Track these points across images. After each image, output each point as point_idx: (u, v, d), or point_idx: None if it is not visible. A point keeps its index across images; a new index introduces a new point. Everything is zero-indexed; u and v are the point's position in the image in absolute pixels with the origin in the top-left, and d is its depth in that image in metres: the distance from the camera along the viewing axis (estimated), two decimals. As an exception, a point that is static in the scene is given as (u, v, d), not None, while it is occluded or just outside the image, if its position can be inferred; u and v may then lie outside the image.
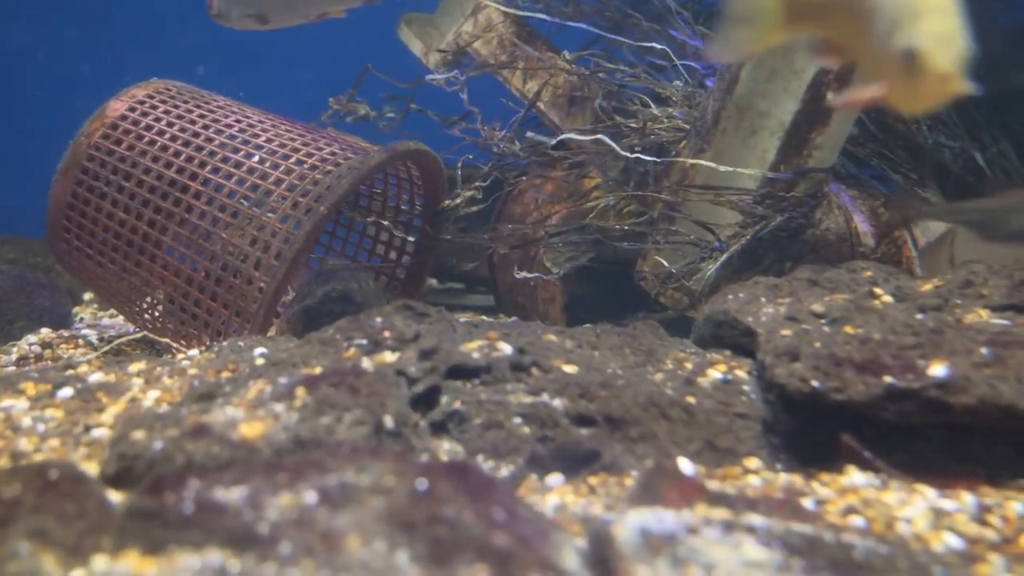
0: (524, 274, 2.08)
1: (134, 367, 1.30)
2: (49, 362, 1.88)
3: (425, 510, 0.66)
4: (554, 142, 2.03)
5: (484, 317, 2.45)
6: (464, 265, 2.67)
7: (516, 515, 0.68)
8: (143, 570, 0.65)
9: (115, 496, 0.82)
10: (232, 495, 0.69)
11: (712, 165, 1.80)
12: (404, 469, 0.70)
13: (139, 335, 1.83)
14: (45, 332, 2.20)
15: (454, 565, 0.62)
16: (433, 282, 3.31)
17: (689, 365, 1.27)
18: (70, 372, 1.30)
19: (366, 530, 0.65)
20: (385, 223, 2.15)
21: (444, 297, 3.20)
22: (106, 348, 1.79)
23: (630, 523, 0.71)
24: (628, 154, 1.92)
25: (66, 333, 2.20)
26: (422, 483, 0.69)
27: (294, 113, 2.09)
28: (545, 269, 2.11)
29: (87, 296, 2.90)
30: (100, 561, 0.67)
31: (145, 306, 1.80)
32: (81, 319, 2.62)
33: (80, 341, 2.09)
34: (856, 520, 0.88)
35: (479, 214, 2.21)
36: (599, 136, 1.98)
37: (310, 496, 0.69)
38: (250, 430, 0.86)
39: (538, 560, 0.62)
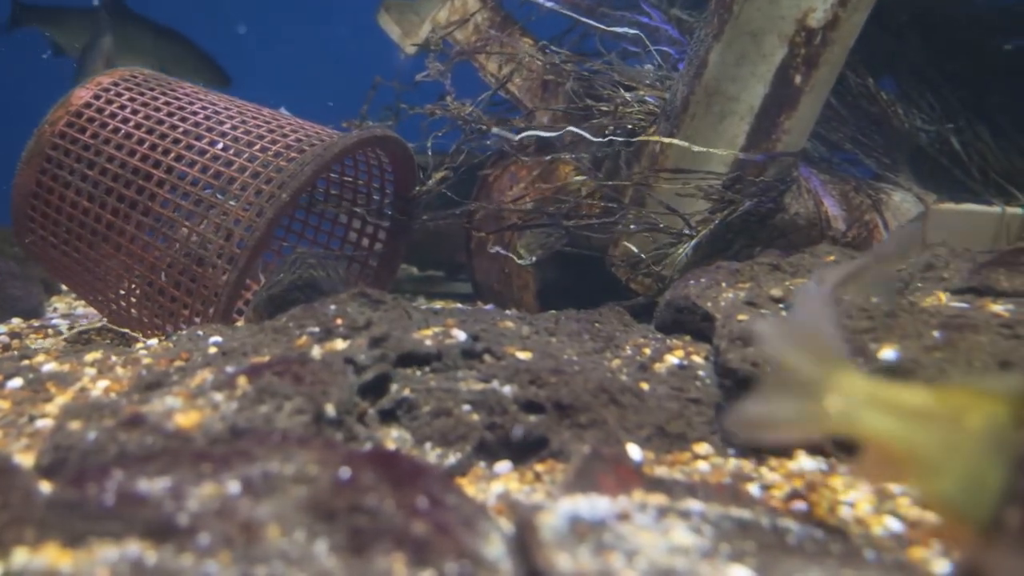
0: (498, 249, 2.07)
1: (90, 357, 1.29)
2: (16, 352, 1.87)
3: (346, 499, 0.65)
4: (521, 136, 2.01)
5: (458, 304, 2.44)
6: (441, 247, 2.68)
7: (440, 503, 0.67)
8: (60, 562, 0.64)
9: (47, 487, 0.81)
10: (155, 486, 0.69)
11: (684, 144, 1.79)
12: (329, 458, 0.70)
13: (102, 324, 1.81)
14: (16, 322, 2.19)
15: (371, 554, 0.61)
16: (413, 270, 3.30)
17: (648, 351, 1.27)
18: (25, 362, 1.29)
19: (286, 520, 0.65)
20: (357, 210, 2.14)
21: (425, 285, 3.19)
22: (68, 336, 1.78)
23: (560, 510, 0.70)
24: (598, 139, 1.91)
25: (36, 323, 2.19)
26: (345, 472, 0.68)
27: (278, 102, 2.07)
28: (519, 256, 2.10)
29: (65, 286, 2.88)
30: (20, 554, 0.66)
31: (111, 296, 1.79)
32: (55, 309, 2.60)
33: (50, 331, 2.08)
34: (799, 504, 0.88)
35: (452, 197, 2.20)
36: (569, 128, 1.96)
37: (233, 486, 0.68)
38: (186, 420, 0.85)
39: (456, 548, 0.62)
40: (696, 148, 1.79)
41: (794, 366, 0.74)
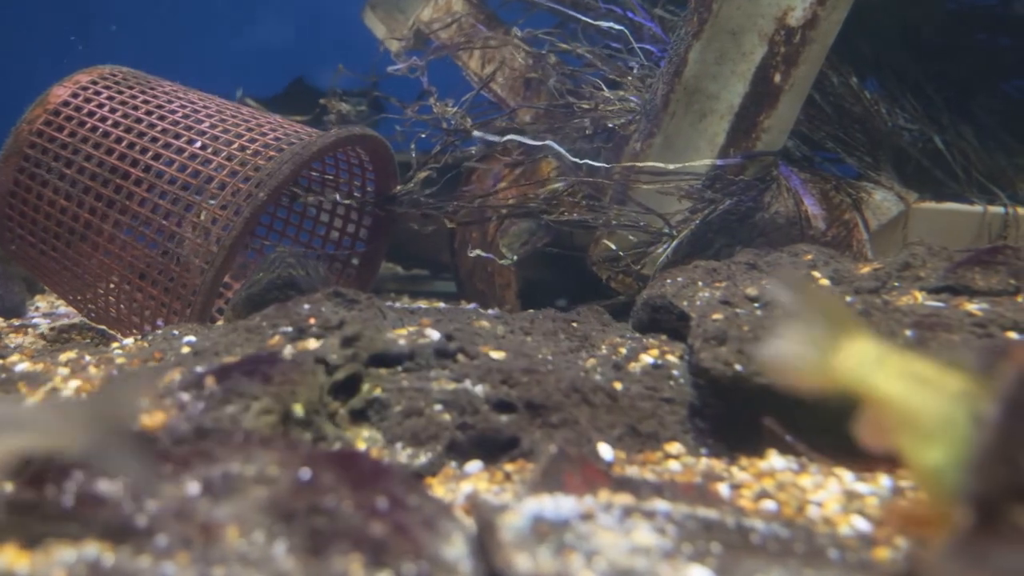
0: (479, 252, 2.06)
1: (64, 356, 1.28)
2: (-6, 352, 1.86)
3: (306, 500, 0.65)
4: (503, 139, 2.00)
5: (441, 303, 2.44)
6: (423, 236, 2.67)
7: (401, 504, 0.67)
8: (17, 564, 0.63)
9: (10, 488, 0.80)
10: (115, 487, 0.68)
11: (660, 165, 1.80)
12: (290, 459, 0.69)
13: (81, 323, 1.81)
14: (-4, 322, 2.18)
15: (329, 555, 0.61)
16: (398, 269, 3.29)
17: (623, 350, 1.27)
18: (-2, 362, 1.28)
19: (246, 521, 0.64)
20: (337, 197, 2.12)
21: (409, 284, 3.18)
22: (48, 336, 1.77)
23: (523, 510, 0.70)
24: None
25: (17, 322, 2.18)
26: (305, 473, 0.68)
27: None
28: (501, 254, 2.10)
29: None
30: (-23, 555, 0.66)
31: (89, 295, 1.78)
32: (38, 308, 2.59)
33: (30, 330, 2.07)
34: (767, 504, 0.88)
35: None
36: (548, 143, 1.95)
37: (193, 487, 0.68)
38: (151, 420, 0.85)
39: (414, 549, 0.62)
40: (673, 166, 1.80)
41: (815, 319, 0.76)
